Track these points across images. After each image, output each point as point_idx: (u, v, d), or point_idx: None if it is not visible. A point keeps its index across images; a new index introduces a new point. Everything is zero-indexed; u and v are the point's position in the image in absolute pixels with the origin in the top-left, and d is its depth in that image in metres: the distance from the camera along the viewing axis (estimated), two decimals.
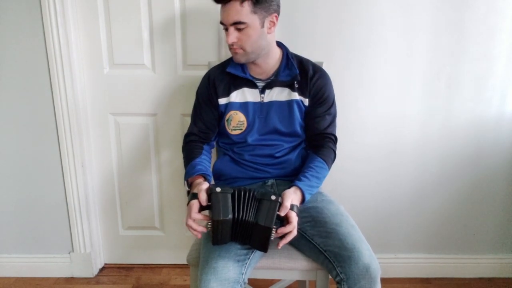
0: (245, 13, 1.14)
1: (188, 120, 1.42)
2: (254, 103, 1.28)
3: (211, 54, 1.61)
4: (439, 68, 1.60)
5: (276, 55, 1.29)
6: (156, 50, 1.62)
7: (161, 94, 1.66)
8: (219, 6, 1.19)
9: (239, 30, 1.17)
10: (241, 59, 1.23)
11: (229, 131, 1.30)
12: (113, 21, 1.58)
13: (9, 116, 1.65)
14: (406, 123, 1.66)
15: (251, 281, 1.65)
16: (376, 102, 1.64)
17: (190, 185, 1.19)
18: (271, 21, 1.21)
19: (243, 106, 1.29)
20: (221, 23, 1.20)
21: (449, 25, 1.55)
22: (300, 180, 1.16)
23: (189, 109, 1.56)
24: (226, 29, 1.19)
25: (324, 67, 1.40)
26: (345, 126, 1.62)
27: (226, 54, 1.57)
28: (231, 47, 1.21)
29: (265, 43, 1.22)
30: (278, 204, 1.03)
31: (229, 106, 1.29)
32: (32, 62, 1.58)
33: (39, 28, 1.54)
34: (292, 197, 1.08)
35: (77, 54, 1.61)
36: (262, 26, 1.18)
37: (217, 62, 1.38)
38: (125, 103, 1.68)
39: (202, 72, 1.42)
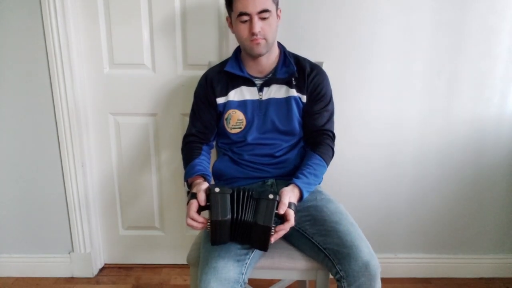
0: (270, 1, 1.19)
1: (188, 120, 1.42)
2: (253, 101, 1.29)
3: (212, 54, 1.61)
4: (439, 67, 1.60)
5: (276, 51, 1.31)
6: (156, 50, 1.62)
7: (161, 94, 1.66)
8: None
9: (262, 19, 1.18)
10: (263, 50, 1.22)
11: (229, 130, 1.31)
12: (113, 21, 1.58)
13: (9, 116, 1.65)
14: (406, 122, 1.66)
15: (251, 281, 1.65)
16: (376, 102, 1.64)
17: (189, 185, 1.20)
18: (278, 14, 1.26)
19: (242, 105, 1.29)
20: (242, 14, 1.17)
21: (449, 25, 1.55)
22: (297, 177, 1.17)
23: (189, 109, 1.56)
24: (245, 21, 1.19)
25: (324, 66, 1.40)
26: (345, 126, 1.62)
27: (226, 54, 1.57)
28: (252, 38, 1.19)
29: (276, 35, 1.26)
30: (276, 202, 1.02)
31: (227, 105, 1.30)
32: (32, 62, 1.58)
33: (39, 28, 1.54)
34: (289, 194, 1.08)
35: (77, 54, 1.60)
36: (277, 17, 1.24)
37: (218, 62, 1.38)
38: (125, 103, 1.68)
39: (203, 72, 1.42)
